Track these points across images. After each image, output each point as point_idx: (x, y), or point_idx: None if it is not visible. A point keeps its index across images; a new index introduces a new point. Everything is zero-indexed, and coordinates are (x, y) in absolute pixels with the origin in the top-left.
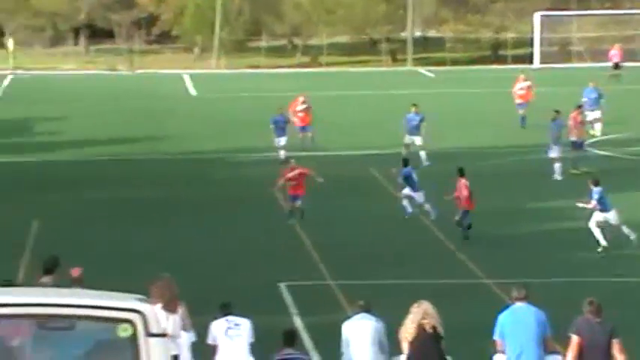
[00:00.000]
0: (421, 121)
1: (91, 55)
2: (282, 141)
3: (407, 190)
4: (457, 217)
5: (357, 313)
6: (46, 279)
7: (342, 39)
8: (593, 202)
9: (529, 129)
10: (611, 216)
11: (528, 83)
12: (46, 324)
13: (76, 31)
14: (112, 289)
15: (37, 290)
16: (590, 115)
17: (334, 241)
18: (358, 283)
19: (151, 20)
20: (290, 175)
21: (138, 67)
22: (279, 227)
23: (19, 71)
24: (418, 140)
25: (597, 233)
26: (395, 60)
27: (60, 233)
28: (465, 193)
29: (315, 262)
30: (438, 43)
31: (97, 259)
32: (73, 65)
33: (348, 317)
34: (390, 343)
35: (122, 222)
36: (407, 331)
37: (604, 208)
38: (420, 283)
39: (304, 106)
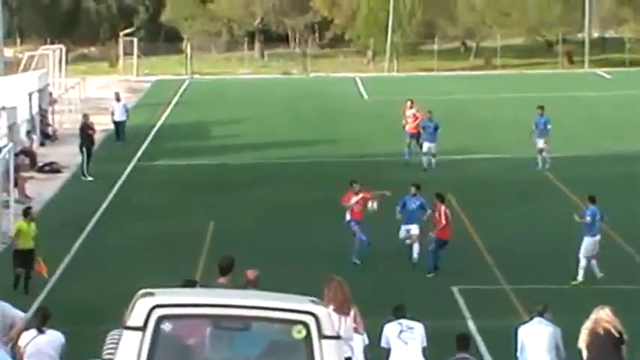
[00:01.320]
0: (546, 123)
1: (266, 59)
2: (432, 148)
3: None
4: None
5: (534, 317)
6: (222, 280)
7: (517, 41)
8: (588, 218)
9: None
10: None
11: None
12: (222, 324)
13: (251, 36)
14: (286, 291)
15: (213, 291)
16: None
17: (508, 244)
18: (533, 287)
19: (324, 24)
20: (356, 199)
21: (311, 71)
22: (453, 231)
23: (196, 76)
24: (541, 143)
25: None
26: (571, 62)
27: (235, 235)
28: (442, 221)
29: (489, 266)
30: (616, 44)
31: (271, 260)
32: (248, 70)
33: (525, 322)
34: (567, 349)
35: (296, 224)
36: (582, 338)
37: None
38: (598, 289)
39: (413, 110)
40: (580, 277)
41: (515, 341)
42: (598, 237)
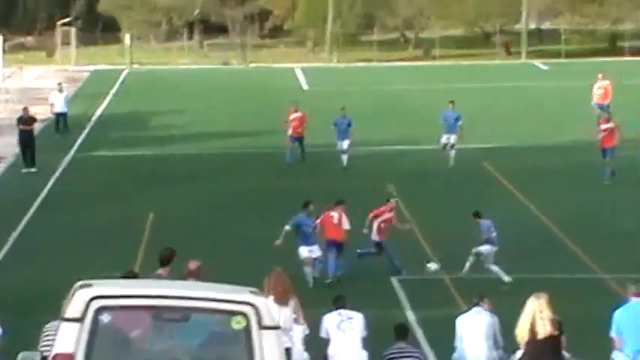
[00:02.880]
0: (457, 119)
1: (205, 49)
2: (345, 145)
3: None
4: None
5: (472, 307)
6: (161, 271)
7: (455, 32)
8: (494, 234)
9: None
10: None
11: (607, 83)
12: (161, 315)
13: (191, 26)
14: (226, 282)
15: (152, 282)
16: None
17: (446, 235)
18: (472, 277)
19: (264, 15)
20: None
21: (251, 62)
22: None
23: (135, 66)
24: (452, 139)
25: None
26: (509, 53)
27: (175, 226)
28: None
29: (428, 257)
30: (553, 36)
31: (211, 251)
32: (187, 60)
33: (463, 311)
34: (505, 338)
35: (237, 215)
36: (521, 328)
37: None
38: (535, 278)
39: (297, 114)
40: (464, 272)
41: (454, 330)
42: (495, 248)
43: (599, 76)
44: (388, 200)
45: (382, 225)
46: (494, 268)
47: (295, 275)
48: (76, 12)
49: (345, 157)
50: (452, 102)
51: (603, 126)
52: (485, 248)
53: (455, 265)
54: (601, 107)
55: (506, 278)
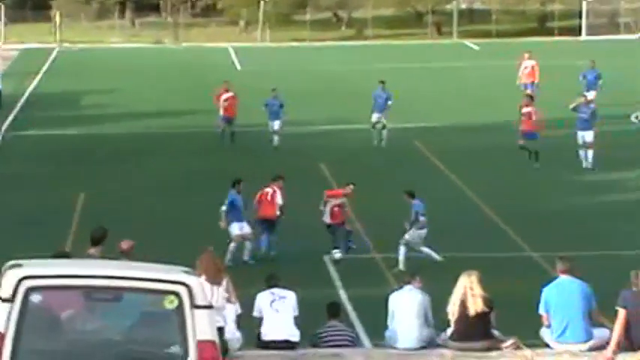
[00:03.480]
0: (387, 99)
1: (137, 28)
2: (276, 125)
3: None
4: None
5: (404, 285)
6: (93, 250)
7: (387, 12)
8: (422, 218)
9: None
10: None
11: (533, 62)
12: (93, 295)
13: (122, 5)
14: (158, 262)
15: (84, 262)
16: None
17: (378, 213)
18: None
19: None
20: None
21: (183, 41)
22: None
23: (66, 44)
24: (383, 118)
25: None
26: (440, 33)
27: (106, 205)
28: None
29: (360, 235)
30: (484, 15)
31: (142, 231)
32: (118, 39)
33: (395, 289)
34: (435, 316)
35: (166, 194)
36: (452, 304)
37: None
38: (466, 257)
39: (229, 94)
40: (401, 266)
41: (386, 309)
42: (424, 231)
43: (525, 55)
44: (347, 184)
45: (335, 209)
46: (425, 250)
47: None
48: None
49: (276, 138)
50: (382, 82)
51: (524, 109)
52: (411, 234)
53: (387, 245)
54: (526, 87)
55: (438, 258)
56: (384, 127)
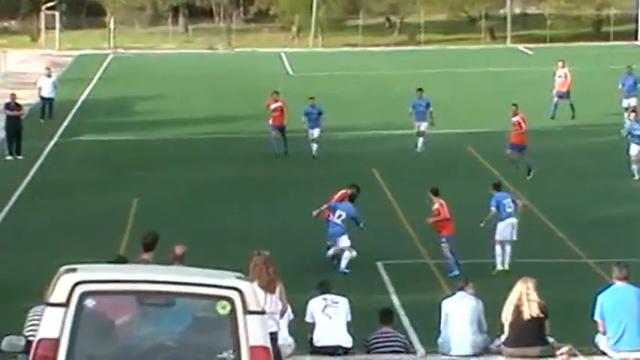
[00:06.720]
0: (427, 106)
1: (190, 34)
2: (315, 133)
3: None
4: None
5: (457, 291)
6: (145, 256)
7: (440, 17)
8: (493, 209)
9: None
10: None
11: (565, 71)
12: (146, 300)
13: (175, 11)
14: (211, 267)
15: (137, 267)
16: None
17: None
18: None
19: None
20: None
21: (236, 46)
22: (377, 206)
23: (120, 51)
24: (423, 126)
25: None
26: (493, 37)
27: (159, 212)
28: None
29: (413, 241)
30: (538, 20)
31: (196, 236)
32: (171, 45)
33: (448, 295)
34: (489, 323)
35: (220, 200)
36: (505, 313)
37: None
38: (520, 263)
39: (277, 104)
40: (499, 266)
41: (439, 315)
42: (512, 220)
43: (559, 64)
44: (349, 186)
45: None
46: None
47: (280, 259)
48: None
49: (315, 146)
50: (420, 90)
51: (513, 119)
52: (499, 229)
53: (439, 250)
54: (560, 96)
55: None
56: (422, 134)
